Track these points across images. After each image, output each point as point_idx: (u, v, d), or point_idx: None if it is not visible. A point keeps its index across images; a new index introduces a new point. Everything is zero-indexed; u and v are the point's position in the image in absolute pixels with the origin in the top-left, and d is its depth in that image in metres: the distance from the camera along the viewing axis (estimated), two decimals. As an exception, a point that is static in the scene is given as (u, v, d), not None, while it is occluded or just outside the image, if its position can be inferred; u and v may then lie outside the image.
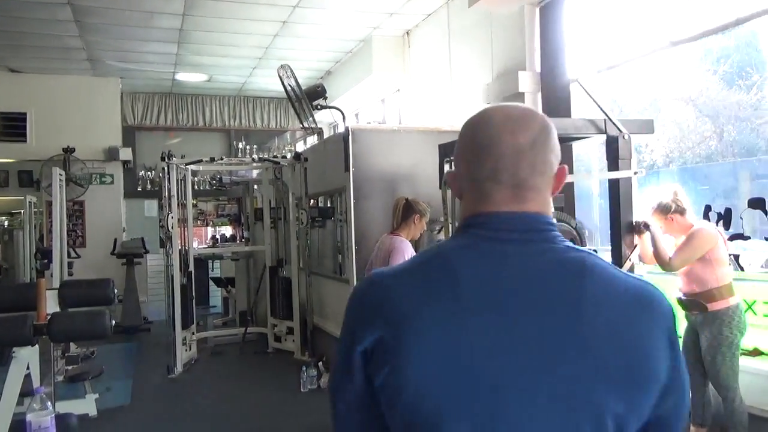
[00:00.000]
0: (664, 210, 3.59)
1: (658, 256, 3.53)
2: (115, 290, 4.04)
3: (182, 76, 9.64)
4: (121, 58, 8.60)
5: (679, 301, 3.62)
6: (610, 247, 3.85)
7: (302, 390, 5.38)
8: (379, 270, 1.00)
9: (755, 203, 3.80)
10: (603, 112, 3.67)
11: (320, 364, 5.78)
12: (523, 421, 0.85)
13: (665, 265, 3.50)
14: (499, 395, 0.85)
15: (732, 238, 3.91)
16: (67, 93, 9.22)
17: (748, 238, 3.86)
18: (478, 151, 0.97)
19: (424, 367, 0.86)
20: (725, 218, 3.90)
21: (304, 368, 5.51)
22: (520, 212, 0.95)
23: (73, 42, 7.77)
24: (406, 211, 3.77)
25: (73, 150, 8.74)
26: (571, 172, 5.35)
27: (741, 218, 3.89)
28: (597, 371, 0.85)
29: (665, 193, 3.65)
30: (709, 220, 3.97)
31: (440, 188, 4.69)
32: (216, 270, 10.28)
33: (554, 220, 1.00)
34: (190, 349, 6.65)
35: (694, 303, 3.50)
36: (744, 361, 3.72)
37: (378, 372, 0.90)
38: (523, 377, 0.85)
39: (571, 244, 0.97)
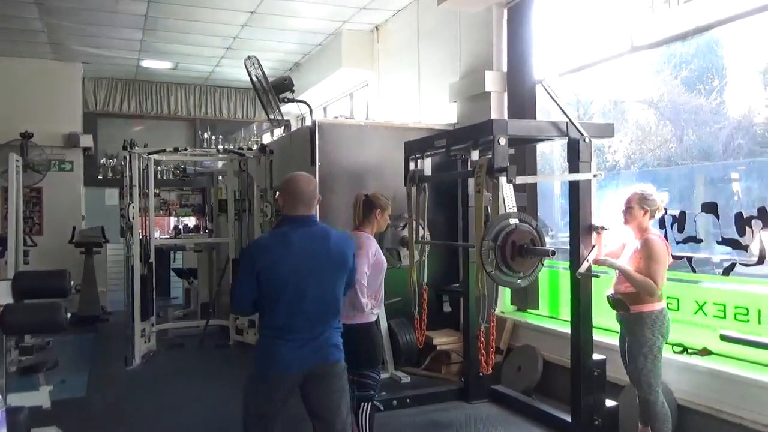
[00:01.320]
0: (647, 202, 3.55)
1: (638, 285, 3.46)
2: (72, 281, 3.95)
3: (147, 63, 9.46)
4: (84, 43, 8.39)
5: (607, 298, 3.69)
6: (569, 247, 3.94)
7: (263, 384, 5.35)
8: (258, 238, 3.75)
9: (708, 207, 3.92)
10: (565, 115, 3.73)
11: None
12: (311, 284, 2.65)
13: (654, 292, 3.41)
14: (303, 277, 2.63)
15: (686, 240, 4.03)
16: (26, 76, 8.96)
17: (701, 241, 3.98)
18: (294, 191, 2.73)
19: (279, 268, 2.62)
20: (679, 221, 4.02)
21: (265, 362, 5.48)
22: (306, 215, 2.74)
23: (33, 24, 7.55)
24: (366, 207, 3.77)
25: (31, 135, 8.51)
26: (534, 172, 5.44)
27: (695, 222, 4.01)
28: (333, 264, 2.73)
29: (656, 191, 3.62)
30: (664, 223, 4.08)
31: (405, 185, 4.73)
32: (178, 261, 10.13)
33: (317, 217, 2.84)
34: (149, 341, 6.56)
35: (618, 302, 3.58)
36: (694, 361, 3.85)
37: (261, 271, 2.61)
38: (312, 271, 2.66)
39: (324, 225, 2.84)
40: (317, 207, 2.82)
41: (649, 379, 3.48)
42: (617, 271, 3.66)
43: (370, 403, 3.61)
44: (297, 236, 2.67)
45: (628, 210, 3.60)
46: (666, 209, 4.12)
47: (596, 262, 3.75)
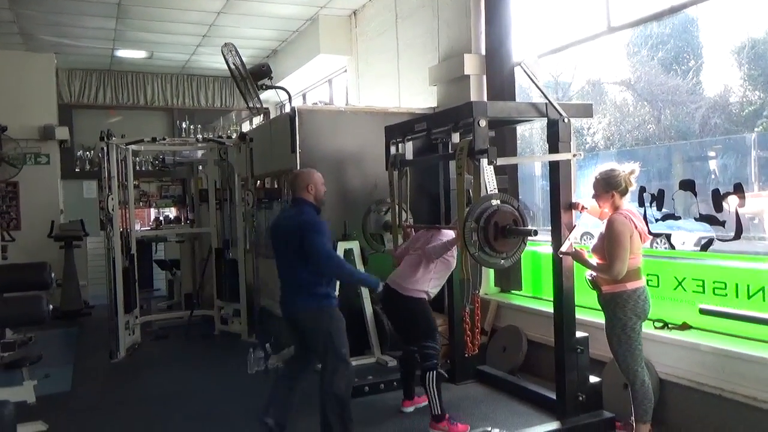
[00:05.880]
0: (612, 185, 3.51)
1: (599, 272, 3.50)
2: (53, 274, 3.92)
3: (122, 53, 9.31)
4: (56, 33, 8.23)
5: (586, 280, 3.72)
6: (550, 228, 3.97)
7: (249, 372, 5.36)
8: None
9: (686, 185, 3.98)
10: (544, 95, 3.75)
11: (267, 345, 5.76)
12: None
13: (612, 274, 3.39)
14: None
15: (664, 218, 4.09)
16: (-3, 68, 8.79)
17: (679, 218, 4.04)
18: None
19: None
20: (658, 199, 4.07)
21: (251, 350, 5.48)
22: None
23: (3, 15, 7.38)
24: None
25: (5, 128, 8.34)
26: (514, 154, 5.47)
27: (673, 199, 4.06)
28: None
29: (622, 167, 3.56)
30: (643, 201, 4.13)
31: (386, 169, 4.72)
32: (160, 252, 10.06)
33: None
34: (133, 333, 6.53)
35: (594, 284, 3.59)
36: (674, 336, 3.92)
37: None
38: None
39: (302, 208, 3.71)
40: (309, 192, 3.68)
41: (625, 359, 3.49)
42: (594, 253, 3.66)
43: (435, 372, 3.87)
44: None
45: (596, 196, 3.62)
46: (644, 187, 4.18)
47: (563, 253, 3.76)
